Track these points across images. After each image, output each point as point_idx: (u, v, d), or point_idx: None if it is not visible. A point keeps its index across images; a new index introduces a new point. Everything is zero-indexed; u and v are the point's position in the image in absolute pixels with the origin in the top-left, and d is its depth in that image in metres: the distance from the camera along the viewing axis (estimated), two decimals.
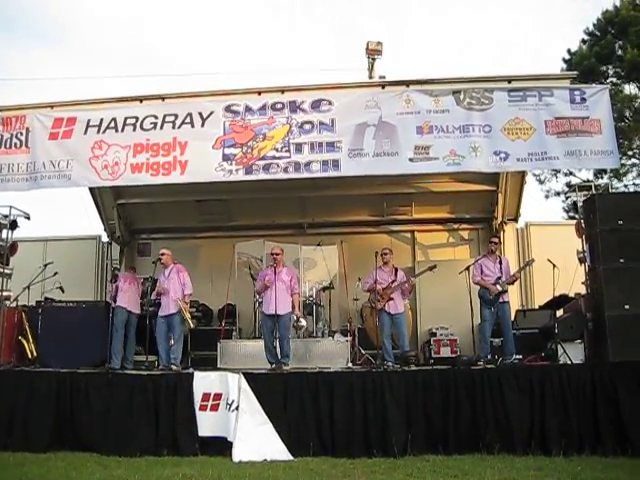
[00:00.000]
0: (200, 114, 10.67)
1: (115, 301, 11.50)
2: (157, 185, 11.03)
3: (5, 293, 11.53)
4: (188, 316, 10.95)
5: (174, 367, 10.65)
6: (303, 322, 11.81)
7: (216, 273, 14.23)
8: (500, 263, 11.01)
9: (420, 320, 13.80)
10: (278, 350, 10.72)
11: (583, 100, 10.18)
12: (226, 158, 10.41)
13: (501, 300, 10.75)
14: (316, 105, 10.55)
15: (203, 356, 12.79)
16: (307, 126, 10.47)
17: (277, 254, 10.95)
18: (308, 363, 11.16)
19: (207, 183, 10.91)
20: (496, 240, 11.40)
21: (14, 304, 11.68)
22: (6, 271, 11.70)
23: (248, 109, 10.67)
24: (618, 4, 25.02)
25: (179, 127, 10.68)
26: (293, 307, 11.00)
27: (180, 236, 15.18)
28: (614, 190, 19.68)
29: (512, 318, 11.37)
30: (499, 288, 10.75)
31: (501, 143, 10.08)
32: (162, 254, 11.31)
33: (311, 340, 11.86)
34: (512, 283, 11.14)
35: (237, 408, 9.33)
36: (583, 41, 26.32)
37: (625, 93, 24.43)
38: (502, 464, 8.38)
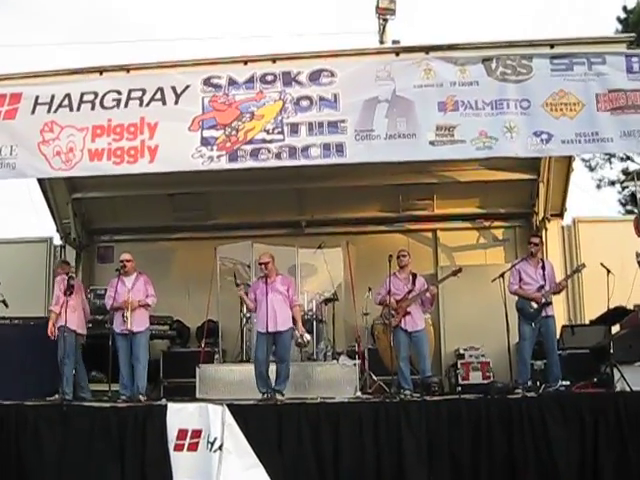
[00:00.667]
0: (173, 89, 10.69)
1: (57, 319, 11.41)
2: (121, 176, 11.06)
3: None
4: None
5: (141, 397, 10.70)
6: (307, 336, 11.75)
7: (194, 283, 14.27)
8: (543, 268, 11.01)
9: (444, 338, 13.82)
10: (272, 376, 10.74)
11: None
12: (205, 142, 10.43)
13: (544, 314, 10.77)
14: (315, 77, 10.57)
15: (178, 384, 12.82)
16: (304, 102, 10.49)
17: (266, 263, 10.92)
18: (307, 392, 11.18)
19: (182, 173, 10.95)
20: (537, 240, 11.39)
21: None
22: None
23: (232, 82, 10.68)
24: None
25: (147, 105, 10.70)
26: (294, 323, 11.04)
27: (149, 238, 15.24)
28: None
29: (558, 335, 11.40)
30: (542, 299, 10.77)
31: (542, 122, 10.10)
32: (127, 260, 11.34)
33: (311, 364, 11.87)
34: (558, 293, 11.16)
35: (220, 448, 9.33)
36: None
37: None
38: None
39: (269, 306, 10.69)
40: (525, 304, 10.82)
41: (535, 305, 10.74)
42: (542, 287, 10.82)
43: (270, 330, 10.62)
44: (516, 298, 10.99)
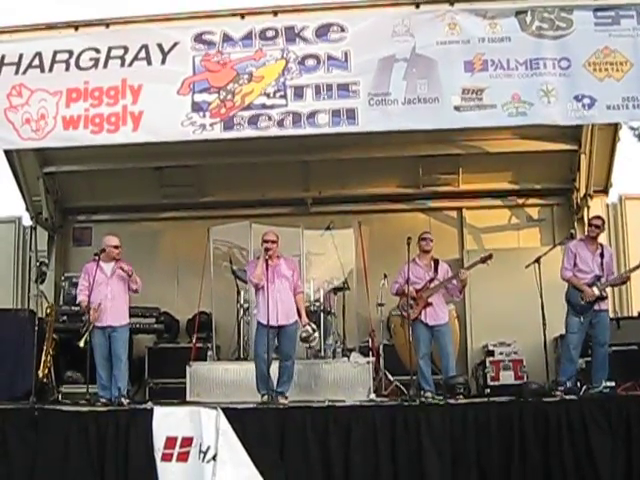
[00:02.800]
0: (160, 46, 10.65)
1: None
2: (100, 147, 11.04)
3: None
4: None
5: (124, 400, 10.72)
6: (314, 333, 11.72)
7: (184, 269, 14.34)
8: (601, 256, 10.90)
9: (471, 333, 13.90)
10: (274, 375, 10.74)
11: None
12: (197, 108, 10.41)
13: (597, 307, 10.72)
14: (323, 32, 10.51)
15: (166, 385, 12.92)
16: (310, 62, 10.46)
17: (272, 242, 10.85)
18: (314, 394, 11.22)
19: (171, 143, 10.97)
20: (599, 222, 11.08)
21: None
22: None
23: (227, 39, 10.64)
24: None
25: (130, 65, 10.67)
26: (298, 314, 11.04)
27: (133, 218, 15.33)
28: None
29: None
30: (596, 292, 10.67)
31: (584, 84, 10.04)
32: (115, 247, 11.14)
33: (318, 362, 11.90)
34: (621, 285, 11.17)
35: (214, 458, 9.32)
36: None
37: None
38: None
39: (274, 295, 10.67)
40: (576, 294, 10.72)
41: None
42: (599, 278, 10.73)
43: (274, 323, 10.58)
44: (564, 286, 10.93)
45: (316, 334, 11.65)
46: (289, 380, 10.78)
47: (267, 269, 10.73)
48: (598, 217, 11.54)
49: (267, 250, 10.81)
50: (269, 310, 10.52)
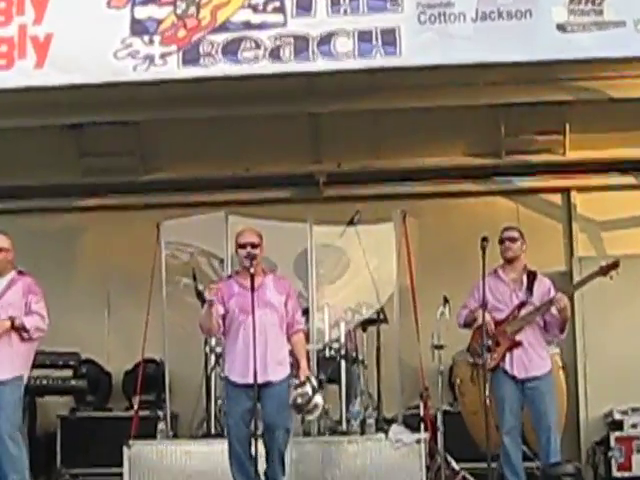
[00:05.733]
0: None
1: None
2: None
3: None
4: None
5: None
6: (318, 398, 11.63)
7: (118, 289, 14.41)
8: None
9: (586, 392, 13.90)
10: (261, 465, 10.68)
11: None
12: (140, 29, 10.48)
13: None
14: None
15: (90, 477, 12.92)
16: None
17: (253, 245, 10.69)
18: None
19: (97, 87, 11.00)
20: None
21: None
22: None
23: None
24: None
25: None
26: (294, 362, 10.87)
27: (36, 206, 15.44)
28: None
29: None
30: None
31: None
32: (3, 249, 11.23)
33: (338, 440, 11.99)
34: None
35: None
36: None
37: None
38: None
39: (253, 334, 10.40)
40: None
41: None
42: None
43: (248, 382, 10.13)
44: None
45: (318, 399, 11.37)
46: (281, 464, 10.49)
47: (252, 290, 10.43)
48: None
49: (252, 259, 10.38)
50: (247, 357, 10.27)
